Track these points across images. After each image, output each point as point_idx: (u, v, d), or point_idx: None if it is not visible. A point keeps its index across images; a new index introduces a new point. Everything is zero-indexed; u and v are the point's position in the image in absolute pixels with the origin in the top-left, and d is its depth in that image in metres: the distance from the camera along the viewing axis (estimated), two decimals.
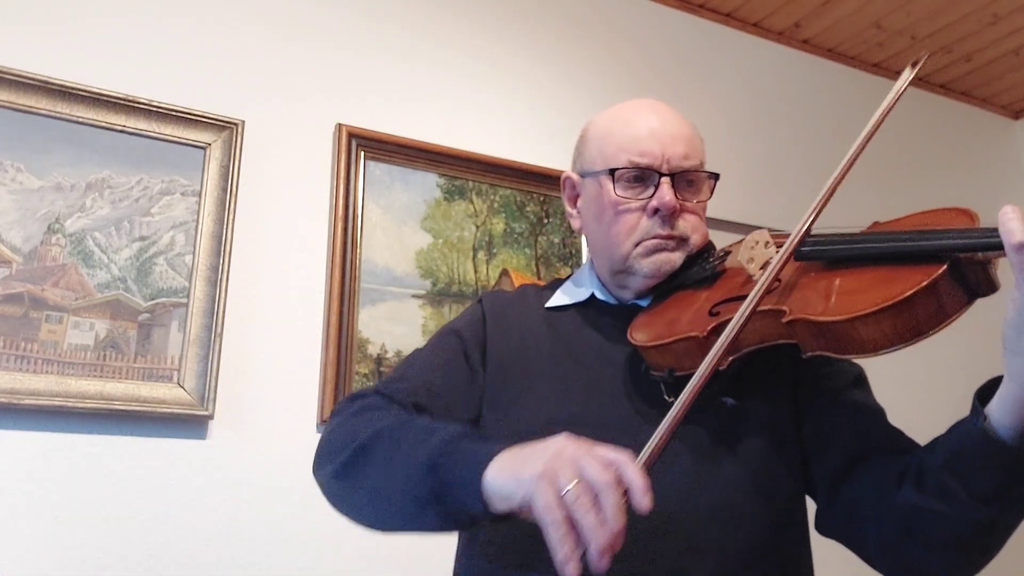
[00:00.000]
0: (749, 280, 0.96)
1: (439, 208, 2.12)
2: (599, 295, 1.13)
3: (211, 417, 1.73)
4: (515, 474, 0.75)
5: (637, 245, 1.05)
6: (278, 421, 1.82)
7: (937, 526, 0.87)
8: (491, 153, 2.21)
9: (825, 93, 2.85)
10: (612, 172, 1.06)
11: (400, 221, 2.07)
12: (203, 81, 1.91)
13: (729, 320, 0.89)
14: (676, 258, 1.05)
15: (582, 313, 1.12)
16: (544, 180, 2.22)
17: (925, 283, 0.78)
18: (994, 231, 0.75)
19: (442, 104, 2.19)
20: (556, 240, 2.25)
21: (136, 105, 1.80)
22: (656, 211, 1.04)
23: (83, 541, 1.60)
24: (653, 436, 0.79)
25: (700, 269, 1.05)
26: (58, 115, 1.73)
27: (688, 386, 0.82)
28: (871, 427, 1.00)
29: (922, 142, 3.11)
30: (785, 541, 1.00)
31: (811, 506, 1.03)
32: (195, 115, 1.85)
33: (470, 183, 2.18)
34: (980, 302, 0.83)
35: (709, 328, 0.93)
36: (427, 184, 2.12)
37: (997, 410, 0.80)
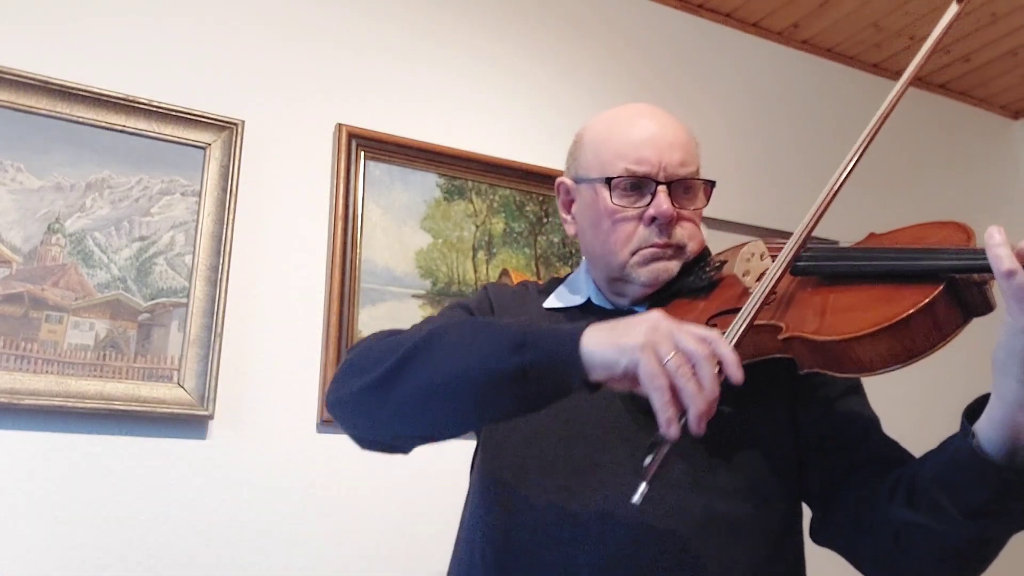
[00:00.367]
0: (745, 292, 0.96)
1: (439, 208, 2.13)
2: (595, 300, 1.13)
3: (211, 417, 1.73)
4: (617, 344, 0.79)
5: (634, 254, 1.05)
6: (278, 421, 1.82)
7: (928, 541, 0.88)
8: (491, 153, 2.21)
9: (824, 93, 2.85)
10: (609, 181, 1.05)
11: (400, 221, 2.07)
12: (203, 81, 1.91)
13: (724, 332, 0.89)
14: (673, 266, 1.05)
15: (578, 318, 1.11)
16: (544, 180, 2.22)
17: (923, 304, 0.78)
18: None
19: (442, 104, 2.19)
20: (556, 240, 2.26)
21: (136, 105, 1.80)
22: (653, 219, 1.04)
23: (83, 541, 1.60)
24: (735, 320, 0.86)
25: (697, 278, 1.04)
26: (58, 115, 1.73)
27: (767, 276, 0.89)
28: (866, 437, 1.01)
29: (921, 142, 3.11)
30: (781, 550, 1.00)
31: (806, 513, 1.04)
32: (195, 115, 1.85)
33: (470, 183, 2.18)
34: (977, 320, 0.83)
35: None
36: (427, 184, 2.12)
37: (985, 428, 0.81)
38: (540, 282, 1.24)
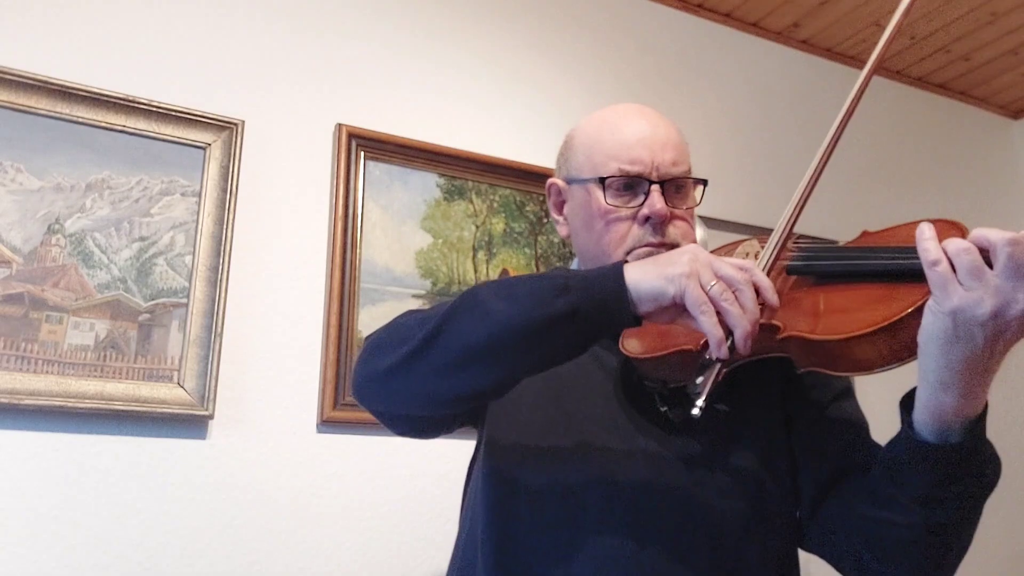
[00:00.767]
0: None
1: (439, 208, 2.13)
2: None
3: (211, 417, 1.74)
4: (662, 274, 0.83)
5: (628, 253, 1.05)
6: (278, 421, 1.82)
7: (888, 535, 0.89)
8: (491, 153, 2.21)
9: (824, 92, 2.85)
10: (602, 180, 1.05)
11: (400, 221, 2.07)
12: (203, 81, 1.91)
13: None
14: None
15: None
16: (544, 180, 2.20)
17: (918, 304, 0.79)
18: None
19: (442, 104, 2.19)
20: (556, 240, 2.26)
21: (136, 105, 1.80)
22: (647, 219, 1.04)
23: (83, 541, 1.60)
24: (767, 246, 0.94)
25: None
26: (58, 115, 1.73)
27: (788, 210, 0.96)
28: (853, 444, 1.02)
29: (920, 142, 3.11)
30: (779, 549, 1.00)
31: None
32: (195, 115, 1.85)
33: (470, 183, 2.18)
34: None
35: (702, 342, 0.93)
36: (427, 184, 2.12)
37: (917, 412, 0.84)
38: None
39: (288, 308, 1.89)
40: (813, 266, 0.93)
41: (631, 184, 1.05)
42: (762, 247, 0.98)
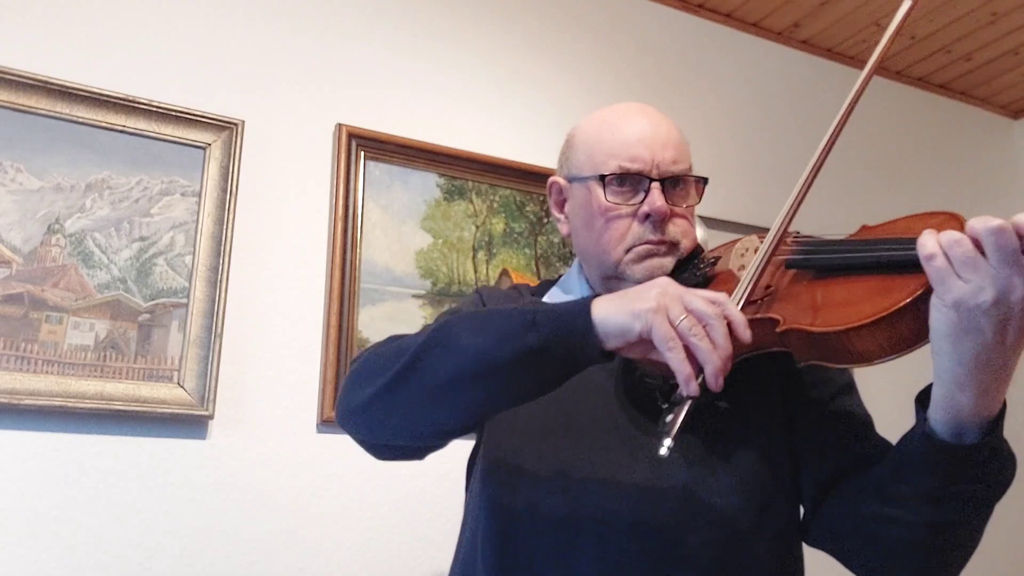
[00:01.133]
0: None
1: (439, 208, 2.13)
2: None
3: (211, 417, 1.73)
4: (629, 310, 0.82)
5: (628, 251, 1.05)
6: (278, 421, 1.82)
7: (895, 531, 0.89)
8: (491, 153, 2.21)
9: (824, 93, 2.85)
10: (602, 178, 1.06)
11: (400, 221, 2.07)
12: (203, 81, 1.91)
13: None
14: (667, 263, 1.06)
15: None
16: (544, 180, 2.19)
17: (917, 294, 0.79)
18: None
19: (442, 104, 2.19)
20: (556, 240, 2.25)
21: (136, 105, 1.80)
22: (647, 216, 1.04)
23: (83, 541, 1.60)
24: (743, 279, 0.90)
25: (691, 275, 1.05)
26: (58, 115, 1.73)
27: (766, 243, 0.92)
28: (858, 439, 1.01)
29: (921, 142, 3.11)
30: (780, 548, 1.00)
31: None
32: (195, 115, 1.85)
33: (470, 183, 2.18)
34: None
35: None
36: (427, 184, 2.12)
37: (932, 410, 0.83)
38: (533, 283, 1.24)
39: (288, 308, 1.89)
40: (812, 260, 0.93)
41: (631, 182, 1.05)
42: (761, 242, 0.98)
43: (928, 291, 0.78)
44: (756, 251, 0.97)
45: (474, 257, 2.14)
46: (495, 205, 2.20)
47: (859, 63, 3.01)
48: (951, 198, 3.04)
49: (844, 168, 2.81)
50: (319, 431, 1.85)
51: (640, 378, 1.01)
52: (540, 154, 2.23)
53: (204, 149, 1.86)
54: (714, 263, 1.05)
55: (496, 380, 0.86)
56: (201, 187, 1.84)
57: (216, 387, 1.74)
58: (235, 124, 1.89)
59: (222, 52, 1.96)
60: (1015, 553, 2.74)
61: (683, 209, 1.07)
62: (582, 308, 0.84)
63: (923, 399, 0.86)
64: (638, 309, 0.81)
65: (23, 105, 1.70)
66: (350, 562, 1.82)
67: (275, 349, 1.86)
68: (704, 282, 1.03)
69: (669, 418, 0.80)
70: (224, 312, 1.79)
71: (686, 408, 0.79)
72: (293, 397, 1.85)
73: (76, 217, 1.73)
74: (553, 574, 0.95)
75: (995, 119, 3.37)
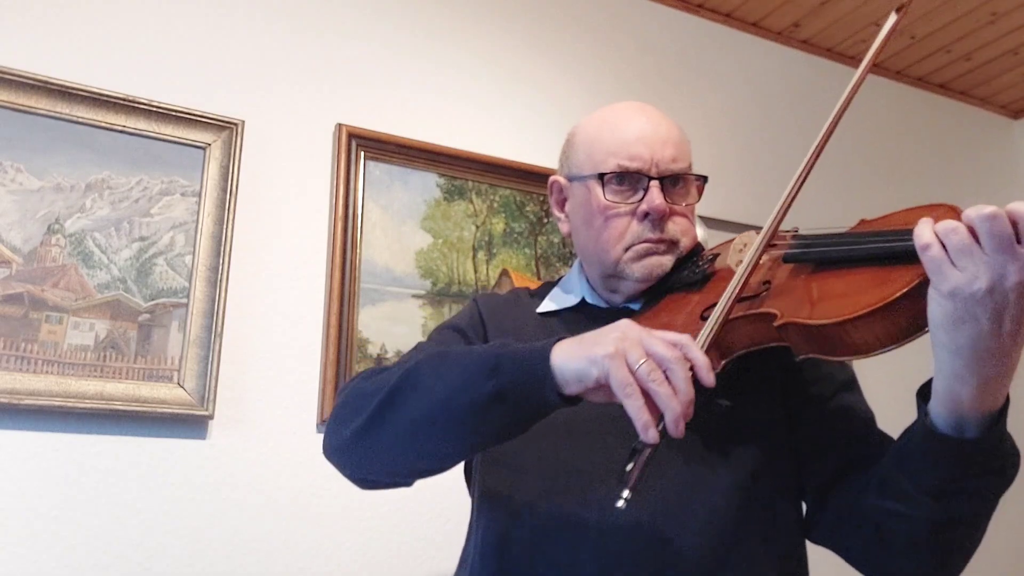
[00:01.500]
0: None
1: (439, 208, 2.13)
2: (589, 299, 1.13)
3: (211, 417, 1.73)
4: (587, 355, 0.79)
5: (627, 249, 1.05)
6: (278, 421, 1.82)
7: (898, 527, 0.89)
8: (491, 153, 2.21)
9: (824, 93, 2.85)
10: (601, 176, 1.06)
11: (400, 221, 2.07)
12: (203, 81, 1.91)
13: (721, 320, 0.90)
14: (667, 261, 1.06)
15: (574, 317, 1.12)
16: (544, 180, 2.19)
17: (915, 282, 0.79)
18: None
19: (442, 104, 2.19)
20: (556, 240, 2.25)
21: (136, 105, 1.80)
22: (646, 215, 1.04)
23: (83, 541, 1.60)
24: (707, 323, 0.86)
25: (691, 272, 1.05)
26: (58, 115, 1.73)
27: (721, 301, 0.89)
28: (860, 435, 1.01)
29: (921, 142, 3.11)
30: (783, 546, 1.00)
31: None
32: (195, 115, 1.85)
33: (470, 183, 2.18)
34: None
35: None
36: (427, 184, 2.12)
37: (933, 404, 0.83)
38: (533, 285, 1.24)
39: (288, 308, 1.89)
40: (809, 253, 0.93)
41: (630, 180, 1.05)
42: (758, 236, 0.98)
43: (925, 281, 0.78)
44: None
45: (474, 257, 2.14)
46: (495, 205, 2.20)
47: (859, 63, 3.01)
48: (951, 198, 3.00)
49: (845, 169, 2.81)
50: (319, 431, 1.85)
51: None
52: (540, 154, 2.23)
53: (204, 149, 1.86)
54: (713, 260, 1.05)
55: (461, 426, 0.86)
56: (201, 187, 1.84)
57: (216, 387, 1.74)
58: (235, 124, 1.89)
59: (222, 52, 1.95)
60: (1015, 553, 2.74)
61: (682, 207, 1.07)
62: (541, 353, 0.82)
63: (924, 393, 0.85)
64: (595, 355, 0.78)
65: (23, 105, 1.70)
66: (350, 562, 1.82)
67: (275, 349, 1.86)
68: (703, 279, 1.03)
69: (629, 467, 0.76)
70: (224, 312, 1.79)
71: (646, 456, 0.75)
72: (293, 397, 1.85)
73: (76, 217, 1.73)
74: (554, 573, 0.95)
75: (995, 119, 3.37)
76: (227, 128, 1.88)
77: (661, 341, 0.78)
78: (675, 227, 1.06)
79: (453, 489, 1.28)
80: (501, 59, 2.32)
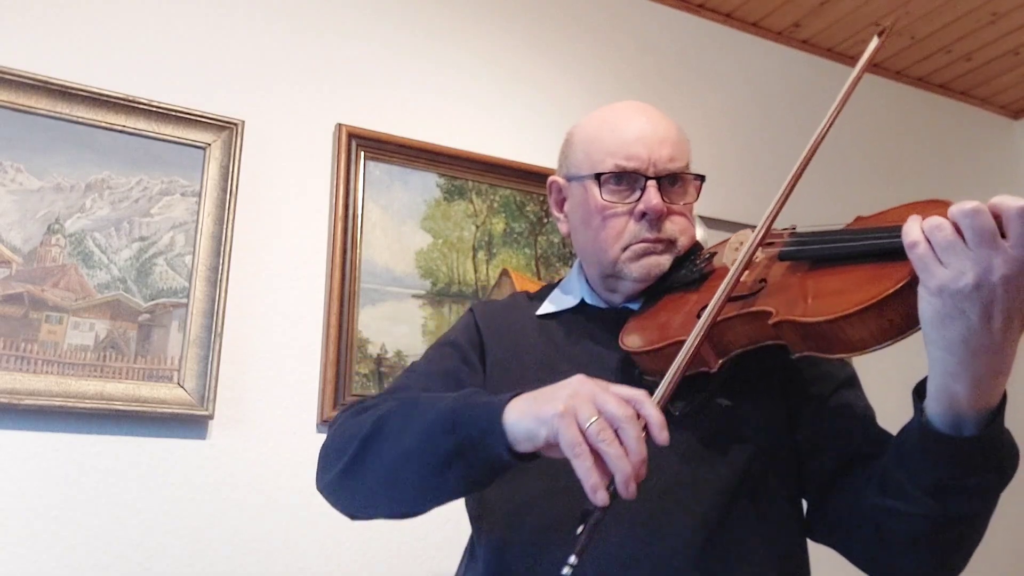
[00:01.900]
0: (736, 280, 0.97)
1: (439, 208, 2.13)
2: (588, 300, 1.13)
3: (211, 417, 1.73)
4: (537, 414, 0.77)
5: (625, 249, 1.05)
6: (278, 421, 1.82)
7: (897, 524, 0.89)
8: (491, 153, 2.21)
9: (825, 93, 2.84)
10: (598, 176, 1.06)
11: (400, 221, 2.07)
12: (203, 81, 1.91)
13: (719, 320, 0.90)
14: (664, 261, 1.06)
15: (573, 319, 1.12)
16: (544, 180, 2.19)
17: (906, 280, 0.79)
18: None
19: (442, 104, 2.19)
20: (556, 240, 2.25)
21: (136, 105, 1.80)
22: (643, 215, 1.04)
23: (83, 541, 1.60)
24: (665, 377, 0.84)
25: (688, 271, 1.05)
26: (58, 115, 1.73)
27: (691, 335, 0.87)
28: (859, 433, 1.01)
29: (921, 142, 3.11)
30: (784, 546, 1.00)
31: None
32: (195, 115, 1.85)
33: (470, 183, 2.18)
34: None
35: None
36: (427, 184, 2.12)
37: (929, 401, 0.83)
38: (534, 287, 1.24)
39: (288, 308, 1.89)
40: (804, 250, 0.93)
41: (628, 180, 1.05)
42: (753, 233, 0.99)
43: (915, 278, 0.78)
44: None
45: (474, 257, 2.14)
46: (495, 205, 2.20)
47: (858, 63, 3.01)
48: (951, 198, 3.03)
49: (845, 169, 2.81)
50: (319, 431, 1.85)
51: (639, 376, 1.01)
52: (540, 154, 2.23)
53: (204, 149, 1.86)
54: (710, 258, 1.05)
55: (427, 479, 0.86)
56: (201, 187, 1.84)
57: (216, 387, 1.74)
58: (235, 124, 1.89)
59: (222, 52, 1.96)
60: (1015, 553, 2.74)
61: (680, 207, 1.07)
62: (495, 411, 0.80)
63: (920, 391, 0.85)
64: (544, 414, 0.76)
65: (23, 105, 1.70)
66: (350, 562, 1.82)
67: (275, 349, 1.86)
68: (701, 278, 1.03)
69: (579, 530, 0.74)
70: (224, 312, 1.79)
71: (595, 520, 0.73)
72: (293, 397, 1.85)
73: (76, 217, 1.73)
74: (554, 573, 0.95)
75: (995, 119, 3.37)
76: (227, 128, 1.88)
77: (614, 398, 0.75)
78: (673, 226, 1.06)
79: None
80: (501, 59, 2.32)
